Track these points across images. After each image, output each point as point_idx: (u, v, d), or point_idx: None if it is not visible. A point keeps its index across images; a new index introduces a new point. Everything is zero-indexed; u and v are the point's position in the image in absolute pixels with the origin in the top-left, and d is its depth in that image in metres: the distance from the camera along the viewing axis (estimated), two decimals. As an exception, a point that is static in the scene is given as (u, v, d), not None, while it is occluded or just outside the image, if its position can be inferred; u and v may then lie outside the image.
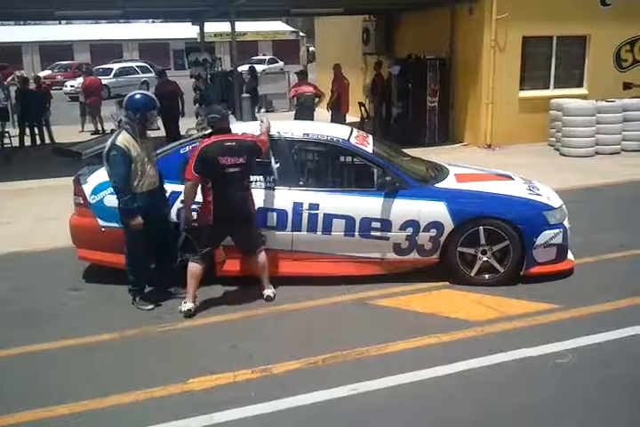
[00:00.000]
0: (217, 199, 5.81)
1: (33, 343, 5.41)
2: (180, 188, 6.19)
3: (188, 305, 5.89)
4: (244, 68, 38.20)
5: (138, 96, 5.98)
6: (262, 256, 6.12)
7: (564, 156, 13.21)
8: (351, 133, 6.83)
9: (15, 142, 15.62)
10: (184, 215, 6.00)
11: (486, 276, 6.38)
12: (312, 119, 12.81)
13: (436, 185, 6.54)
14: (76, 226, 6.62)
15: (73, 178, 6.73)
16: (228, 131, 5.96)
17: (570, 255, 6.67)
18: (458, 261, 6.33)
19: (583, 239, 7.35)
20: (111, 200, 6.15)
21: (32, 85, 16.75)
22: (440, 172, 6.99)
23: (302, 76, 14.43)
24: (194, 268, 5.92)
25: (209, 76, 16.32)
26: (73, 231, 6.67)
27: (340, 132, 6.84)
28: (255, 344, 5.34)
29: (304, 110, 13.44)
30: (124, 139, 5.75)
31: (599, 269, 6.84)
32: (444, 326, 5.53)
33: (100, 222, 6.37)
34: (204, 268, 5.99)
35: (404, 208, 6.26)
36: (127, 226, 5.86)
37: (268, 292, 6.17)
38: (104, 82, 23.31)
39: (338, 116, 14.39)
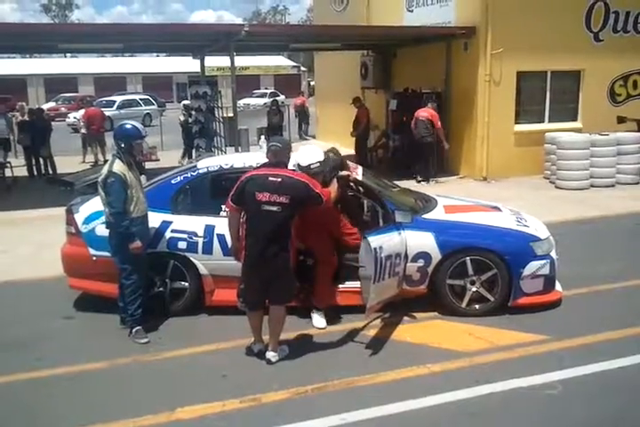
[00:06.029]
0: (248, 237, 5.28)
1: (24, 371, 5.41)
2: (169, 217, 6.36)
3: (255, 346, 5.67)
4: (245, 101, 38.95)
5: (126, 126, 6.14)
6: (276, 310, 5.45)
7: (559, 188, 13.31)
8: None
9: (16, 173, 15.66)
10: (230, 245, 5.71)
11: (477, 306, 6.38)
12: None
13: (424, 216, 6.55)
14: (67, 255, 6.67)
15: (66, 207, 6.79)
16: (283, 165, 5.36)
17: (558, 286, 6.68)
18: (447, 293, 6.33)
19: (575, 271, 7.37)
20: (102, 229, 6.18)
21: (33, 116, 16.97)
22: (428, 203, 7.02)
23: None
24: (247, 314, 5.62)
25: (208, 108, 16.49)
26: (64, 260, 6.71)
27: None
28: (244, 374, 5.34)
29: None
30: (119, 166, 5.88)
31: (591, 301, 6.84)
32: (433, 357, 5.52)
33: (91, 251, 6.41)
34: (257, 314, 5.53)
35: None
36: (128, 251, 5.86)
37: (270, 355, 5.49)
38: (107, 114, 23.42)
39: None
